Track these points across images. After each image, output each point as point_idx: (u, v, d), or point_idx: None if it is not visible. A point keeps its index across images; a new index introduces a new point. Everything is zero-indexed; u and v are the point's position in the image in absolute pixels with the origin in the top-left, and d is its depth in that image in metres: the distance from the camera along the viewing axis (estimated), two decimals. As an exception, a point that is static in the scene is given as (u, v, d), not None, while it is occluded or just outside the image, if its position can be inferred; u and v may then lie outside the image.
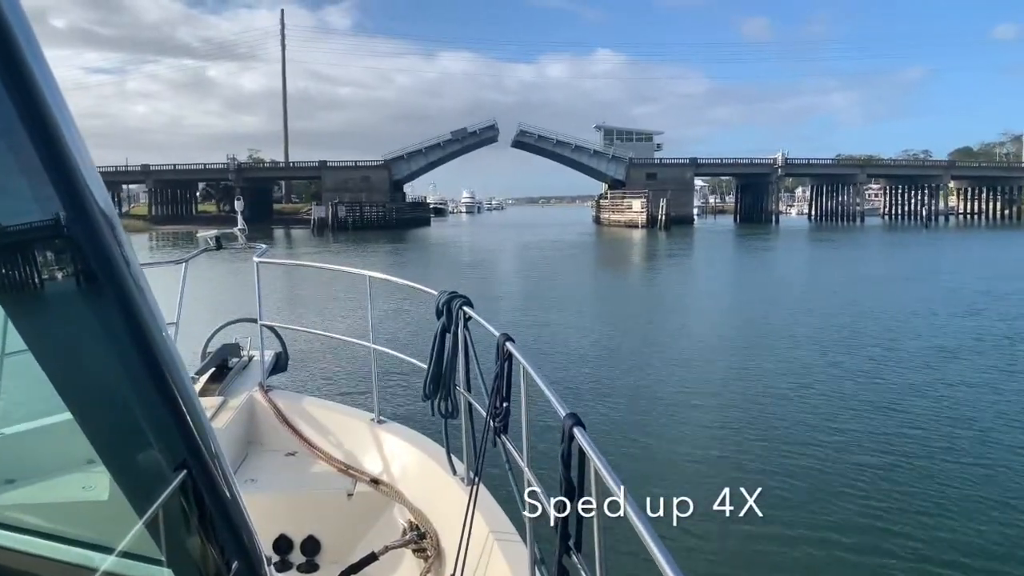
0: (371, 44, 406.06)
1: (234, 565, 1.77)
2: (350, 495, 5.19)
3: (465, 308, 4.30)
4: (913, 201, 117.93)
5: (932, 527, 9.13)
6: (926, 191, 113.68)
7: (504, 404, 3.57)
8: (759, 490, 7.51)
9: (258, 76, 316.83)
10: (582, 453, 2.35)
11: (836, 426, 12.99)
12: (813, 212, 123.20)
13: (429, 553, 4.42)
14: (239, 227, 7.98)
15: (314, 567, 4.97)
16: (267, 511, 4.87)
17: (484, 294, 29.04)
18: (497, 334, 3.62)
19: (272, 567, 3.54)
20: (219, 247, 7.73)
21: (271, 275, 29.33)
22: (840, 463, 11.14)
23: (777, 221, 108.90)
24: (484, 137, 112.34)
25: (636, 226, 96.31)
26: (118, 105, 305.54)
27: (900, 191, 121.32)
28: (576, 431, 2.39)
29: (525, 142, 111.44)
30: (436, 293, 4.60)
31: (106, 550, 1.69)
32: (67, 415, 1.54)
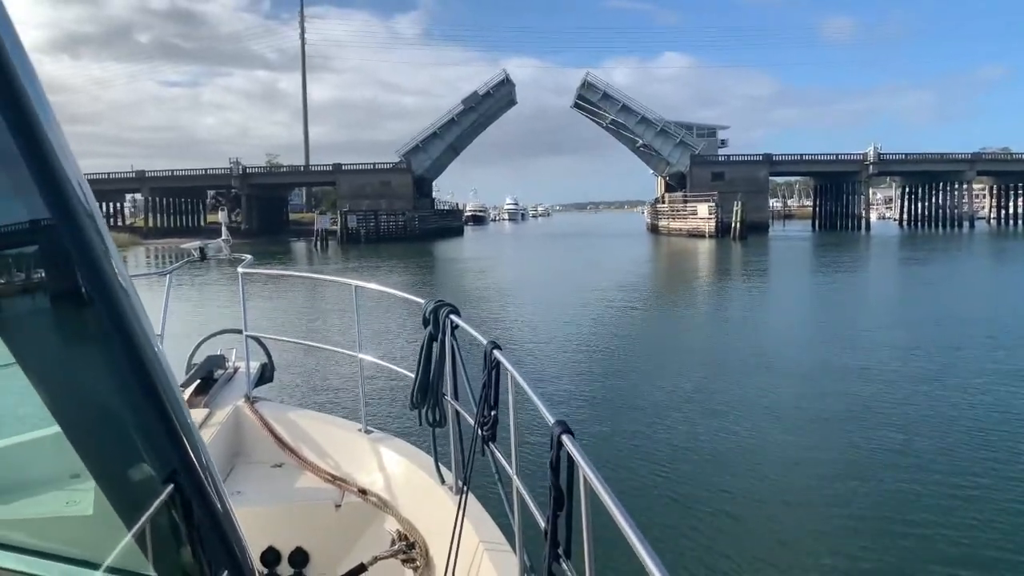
0: (438, 52, 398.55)
1: (224, 575, 1.77)
2: (338, 506, 5.12)
3: (452, 316, 4.26)
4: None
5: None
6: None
7: (492, 412, 3.54)
8: (749, 498, 9.73)
9: (327, 87, 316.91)
10: (571, 460, 2.32)
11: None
12: (905, 216, 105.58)
13: (418, 563, 4.40)
14: (223, 238, 7.97)
15: None
16: (254, 523, 4.53)
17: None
18: (485, 342, 3.59)
19: None
20: (203, 258, 7.66)
21: (257, 286, 30.35)
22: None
23: (868, 227, 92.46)
24: (500, 96, 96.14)
25: (703, 235, 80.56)
26: (190, 117, 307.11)
27: (1010, 191, 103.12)
28: (565, 438, 2.36)
29: (588, 99, 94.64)
30: (423, 302, 4.58)
31: (92, 565, 1.69)
32: (50, 430, 1.55)
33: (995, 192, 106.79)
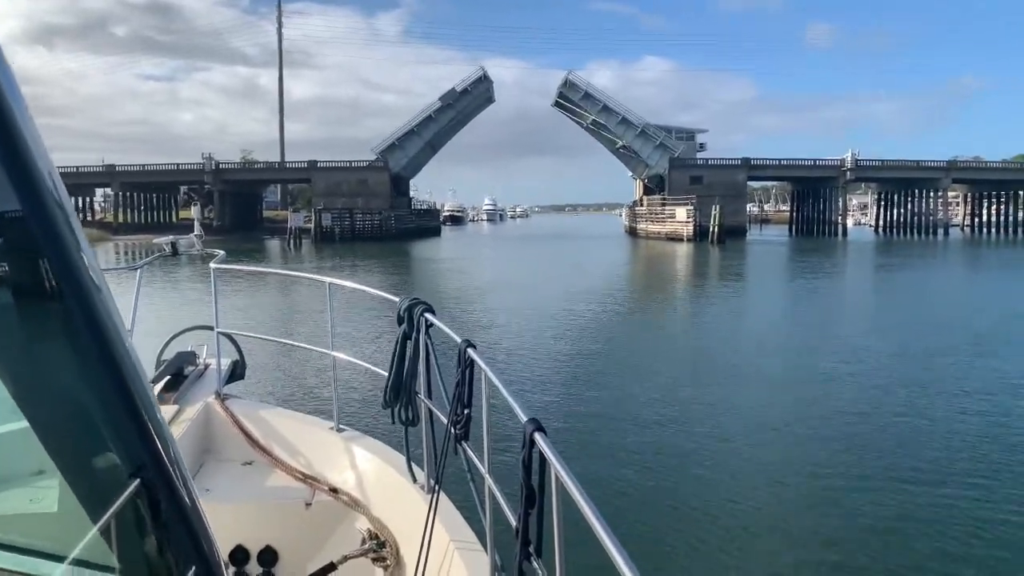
0: (419, 51, 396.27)
1: (192, 571, 1.77)
2: (308, 504, 5.07)
3: (427, 315, 4.25)
4: (998, 210, 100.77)
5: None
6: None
7: (465, 411, 3.54)
8: (720, 495, 9.78)
9: (308, 84, 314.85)
10: (543, 458, 2.32)
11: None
12: (881, 223, 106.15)
13: (389, 562, 4.40)
14: (196, 233, 7.93)
15: None
16: (223, 521, 4.40)
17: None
18: (459, 340, 3.58)
19: None
20: (175, 252, 7.64)
21: (230, 282, 30.04)
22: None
23: (845, 233, 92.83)
24: (478, 94, 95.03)
25: (681, 239, 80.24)
26: (167, 112, 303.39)
27: (983, 198, 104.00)
28: (537, 436, 2.36)
29: (569, 97, 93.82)
30: (398, 300, 4.55)
31: (57, 559, 1.69)
32: (13, 426, 1.55)
33: (969, 200, 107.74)
